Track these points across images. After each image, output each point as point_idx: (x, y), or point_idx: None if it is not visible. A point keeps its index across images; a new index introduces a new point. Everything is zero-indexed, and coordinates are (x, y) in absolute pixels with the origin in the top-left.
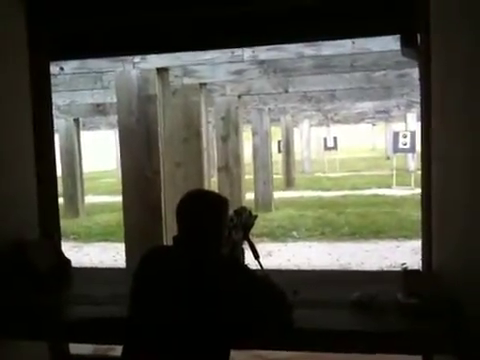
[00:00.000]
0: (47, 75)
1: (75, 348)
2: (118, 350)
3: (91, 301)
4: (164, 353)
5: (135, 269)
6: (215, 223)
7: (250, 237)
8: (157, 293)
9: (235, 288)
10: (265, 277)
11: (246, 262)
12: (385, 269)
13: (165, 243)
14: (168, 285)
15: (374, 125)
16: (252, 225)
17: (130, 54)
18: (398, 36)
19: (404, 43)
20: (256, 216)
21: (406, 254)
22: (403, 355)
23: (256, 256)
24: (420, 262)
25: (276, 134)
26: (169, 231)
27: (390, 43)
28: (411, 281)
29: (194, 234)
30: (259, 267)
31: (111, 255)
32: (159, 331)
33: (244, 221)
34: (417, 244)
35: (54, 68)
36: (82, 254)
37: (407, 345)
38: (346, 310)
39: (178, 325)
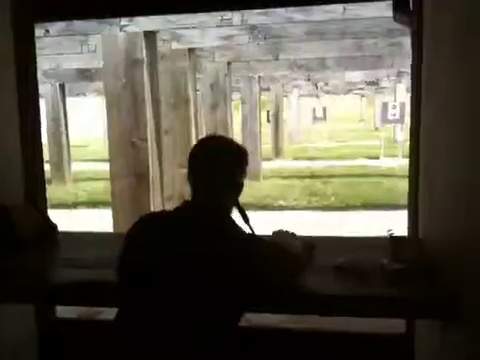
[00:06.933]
0: (31, 37)
1: (60, 312)
2: (106, 313)
3: (78, 264)
4: (167, 332)
5: (127, 243)
6: (230, 175)
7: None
8: (154, 265)
9: (246, 256)
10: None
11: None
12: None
13: (152, 210)
14: (167, 256)
15: (363, 96)
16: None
17: (117, 16)
18: (390, 2)
19: (396, 8)
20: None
21: (393, 223)
22: (387, 319)
23: (246, 220)
24: (406, 230)
25: (265, 104)
26: (156, 198)
27: (382, 9)
28: (397, 247)
29: (206, 188)
30: (250, 231)
31: (98, 222)
32: (160, 311)
33: None
34: (403, 214)
35: (39, 30)
36: (69, 221)
37: (391, 309)
38: (331, 275)
39: (182, 301)
